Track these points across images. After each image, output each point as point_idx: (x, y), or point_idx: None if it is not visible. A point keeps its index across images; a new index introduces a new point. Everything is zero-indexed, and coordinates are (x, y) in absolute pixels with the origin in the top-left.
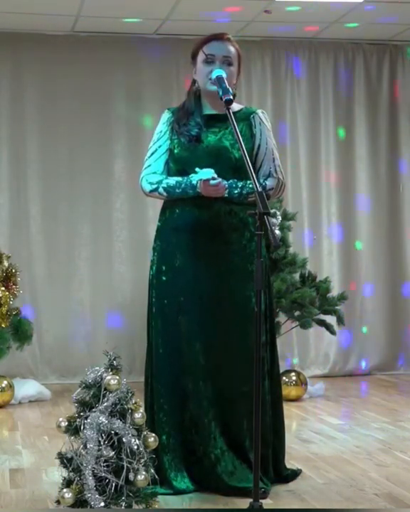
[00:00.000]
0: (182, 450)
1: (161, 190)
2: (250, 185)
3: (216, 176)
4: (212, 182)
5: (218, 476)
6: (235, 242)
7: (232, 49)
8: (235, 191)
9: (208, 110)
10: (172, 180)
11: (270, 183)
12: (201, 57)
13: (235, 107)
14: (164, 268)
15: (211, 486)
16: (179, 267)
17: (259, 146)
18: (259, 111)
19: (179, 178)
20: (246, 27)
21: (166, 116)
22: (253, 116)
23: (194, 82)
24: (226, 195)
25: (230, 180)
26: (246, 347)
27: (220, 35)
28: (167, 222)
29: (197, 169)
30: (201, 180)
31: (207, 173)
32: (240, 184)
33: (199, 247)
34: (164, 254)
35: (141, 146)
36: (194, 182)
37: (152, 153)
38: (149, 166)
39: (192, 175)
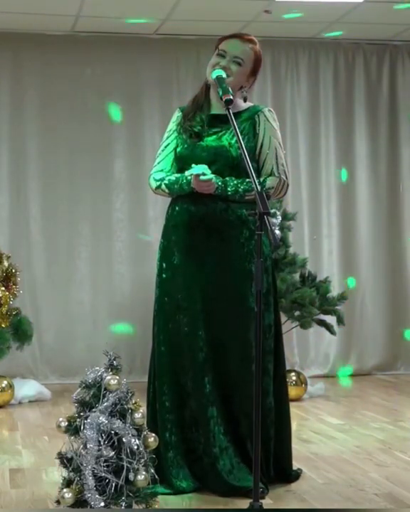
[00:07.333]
0: (183, 447)
1: (163, 186)
2: (248, 184)
3: (207, 172)
4: (202, 177)
5: (218, 474)
6: (233, 239)
7: (248, 51)
8: (229, 188)
9: (214, 110)
10: (173, 177)
11: (270, 182)
12: (215, 51)
13: (243, 105)
14: (164, 265)
15: (211, 484)
16: (177, 264)
17: (262, 144)
18: (266, 109)
19: (178, 175)
20: (246, 27)
21: (176, 115)
22: (258, 115)
23: None
24: (219, 192)
25: (226, 178)
26: (244, 345)
27: (242, 34)
28: (169, 220)
29: (193, 165)
30: (192, 175)
31: (199, 168)
32: (235, 181)
33: (196, 244)
34: (165, 251)
35: (141, 146)
36: (188, 178)
37: (161, 152)
38: (157, 163)
39: (187, 171)
